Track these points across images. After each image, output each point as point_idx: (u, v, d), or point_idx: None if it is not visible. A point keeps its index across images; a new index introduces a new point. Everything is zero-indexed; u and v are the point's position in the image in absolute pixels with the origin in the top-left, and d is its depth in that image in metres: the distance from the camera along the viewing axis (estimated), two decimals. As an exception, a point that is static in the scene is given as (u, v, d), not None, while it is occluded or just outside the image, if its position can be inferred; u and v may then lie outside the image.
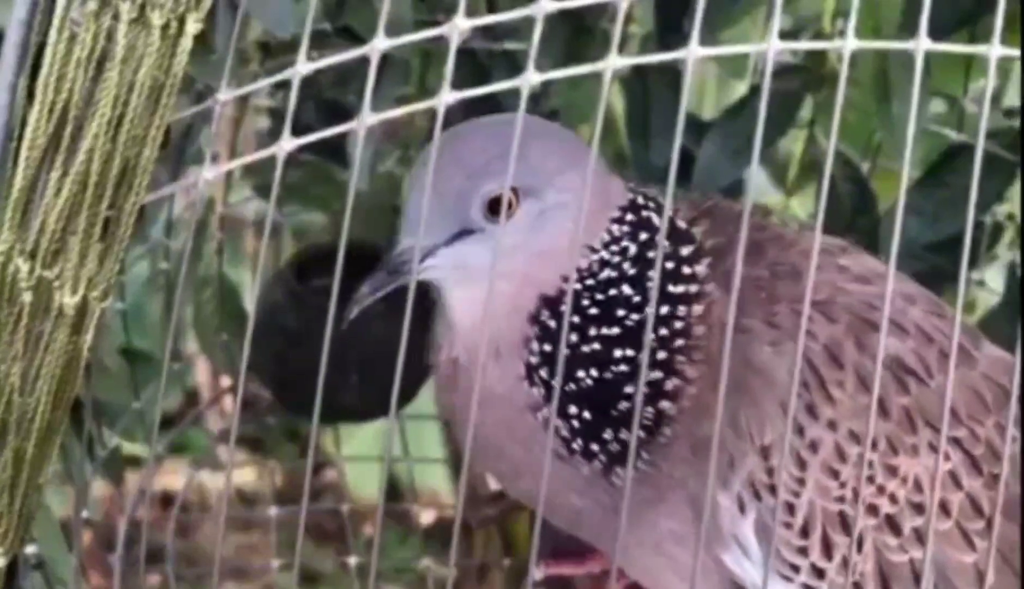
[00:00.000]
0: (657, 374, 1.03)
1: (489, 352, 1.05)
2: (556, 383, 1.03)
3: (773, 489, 1.00)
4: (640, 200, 1.07)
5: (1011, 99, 1.43)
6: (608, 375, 1.04)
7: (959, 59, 1.39)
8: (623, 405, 1.04)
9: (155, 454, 1.37)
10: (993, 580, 1.01)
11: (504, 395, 1.05)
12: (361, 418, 1.55)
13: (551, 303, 1.04)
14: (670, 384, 1.03)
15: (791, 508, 1.00)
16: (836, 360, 1.01)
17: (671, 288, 1.05)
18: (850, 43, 0.88)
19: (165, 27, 0.90)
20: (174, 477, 1.77)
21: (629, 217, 1.06)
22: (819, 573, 1.01)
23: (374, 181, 1.54)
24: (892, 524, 1.01)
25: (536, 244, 1.02)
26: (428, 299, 1.54)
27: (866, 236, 1.39)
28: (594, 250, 1.05)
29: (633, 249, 1.05)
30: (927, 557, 1.00)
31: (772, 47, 0.87)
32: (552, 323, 1.04)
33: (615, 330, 1.04)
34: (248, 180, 1.55)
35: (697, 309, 1.04)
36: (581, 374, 1.04)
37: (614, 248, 1.05)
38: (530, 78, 0.89)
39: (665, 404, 1.03)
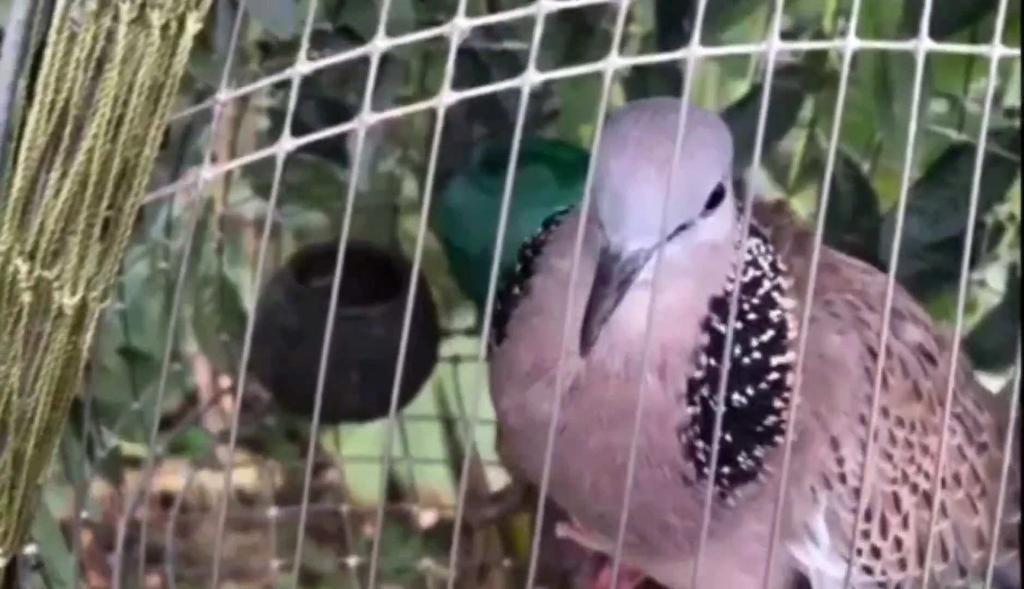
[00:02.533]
0: (776, 376, 1.00)
1: (655, 365, 0.97)
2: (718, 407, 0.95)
3: (843, 477, 1.00)
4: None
5: (1012, 99, 1.43)
6: (764, 385, 0.99)
7: (960, 59, 1.39)
8: (770, 419, 0.99)
9: (155, 454, 1.37)
10: (988, 538, 1.07)
11: (654, 412, 0.97)
12: (361, 418, 1.55)
13: (719, 306, 0.98)
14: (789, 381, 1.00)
15: (856, 493, 1.00)
16: (888, 348, 1.02)
17: (783, 281, 1.01)
18: (851, 43, 0.88)
19: (165, 27, 0.90)
20: (174, 477, 1.77)
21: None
22: (876, 552, 1.03)
23: (374, 181, 1.54)
24: (927, 499, 1.04)
25: (710, 234, 0.95)
26: (428, 300, 1.54)
27: (867, 236, 1.39)
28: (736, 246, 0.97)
29: (758, 245, 1.02)
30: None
31: (773, 47, 0.87)
32: (721, 328, 0.97)
33: (768, 334, 1.00)
34: (248, 180, 1.55)
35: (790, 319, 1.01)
36: (737, 394, 0.98)
37: (749, 246, 1.01)
38: (531, 78, 0.89)
39: (773, 418, 0.99)
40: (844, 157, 1.43)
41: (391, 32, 0.89)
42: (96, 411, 1.39)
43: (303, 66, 0.90)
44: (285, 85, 0.91)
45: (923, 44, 0.87)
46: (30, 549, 1.05)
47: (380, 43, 0.89)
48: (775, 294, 1.01)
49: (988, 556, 1.05)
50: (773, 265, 1.02)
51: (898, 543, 1.03)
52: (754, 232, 1.03)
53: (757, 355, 0.99)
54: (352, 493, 1.77)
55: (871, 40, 0.90)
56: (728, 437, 0.98)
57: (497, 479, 1.63)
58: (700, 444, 0.98)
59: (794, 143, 1.51)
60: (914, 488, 1.04)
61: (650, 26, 1.40)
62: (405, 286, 1.47)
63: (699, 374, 0.98)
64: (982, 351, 1.38)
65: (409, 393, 1.54)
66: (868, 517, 1.02)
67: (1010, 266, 1.46)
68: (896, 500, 1.03)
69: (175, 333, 1.45)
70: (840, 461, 1.01)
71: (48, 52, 0.92)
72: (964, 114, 1.42)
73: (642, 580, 1.22)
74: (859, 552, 1.03)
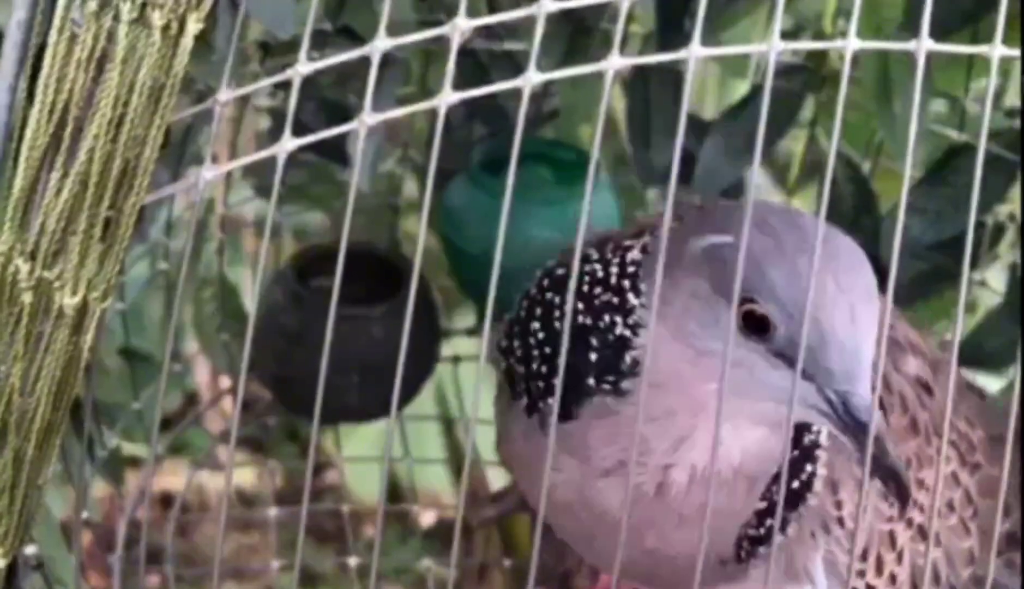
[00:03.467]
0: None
1: (743, 480, 0.98)
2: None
3: (840, 521, 1.01)
4: None
5: (1012, 99, 1.43)
6: (795, 484, 1.00)
7: (961, 59, 1.39)
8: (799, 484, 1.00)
9: (155, 454, 1.37)
10: (978, 554, 1.09)
11: (731, 512, 0.99)
12: (362, 418, 1.55)
13: (775, 479, 0.98)
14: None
15: (852, 535, 1.00)
16: (888, 385, 1.02)
17: None
18: (852, 43, 0.88)
19: (166, 27, 0.90)
20: (174, 477, 1.77)
21: None
22: None
23: (375, 181, 1.54)
24: (922, 532, 1.04)
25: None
26: (428, 300, 1.54)
27: (868, 236, 1.39)
28: None
29: None
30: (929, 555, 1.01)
31: (773, 47, 0.87)
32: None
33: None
34: (248, 180, 1.55)
35: None
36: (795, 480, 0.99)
37: None
38: (531, 78, 0.89)
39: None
40: (845, 157, 1.43)
41: (391, 32, 0.89)
42: (97, 411, 1.39)
43: (304, 66, 0.90)
44: (285, 85, 0.91)
45: (924, 44, 0.87)
46: (30, 549, 1.05)
47: (380, 43, 0.89)
48: None
49: (981, 571, 1.07)
50: None
51: (893, 579, 1.03)
52: None
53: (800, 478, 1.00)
54: (352, 493, 1.77)
55: (872, 40, 0.91)
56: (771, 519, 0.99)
57: (497, 479, 1.63)
58: (752, 532, 0.99)
59: (795, 143, 1.51)
60: (909, 523, 1.04)
61: (651, 26, 1.40)
62: (405, 286, 1.47)
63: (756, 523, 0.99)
64: (982, 352, 1.38)
65: (410, 393, 1.54)
66: (864, 556, 1.03)
67: (1011, 266, 1.45)
68: (892, 538, 1.03)
69: (175, 333, 1.45)
70: (838, 504, 1.01)
71: (49, 52, 0.92)
72: (965, 114, 1.42)
73: None
74: None
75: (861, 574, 1.03)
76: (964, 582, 1.08)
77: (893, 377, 1.03)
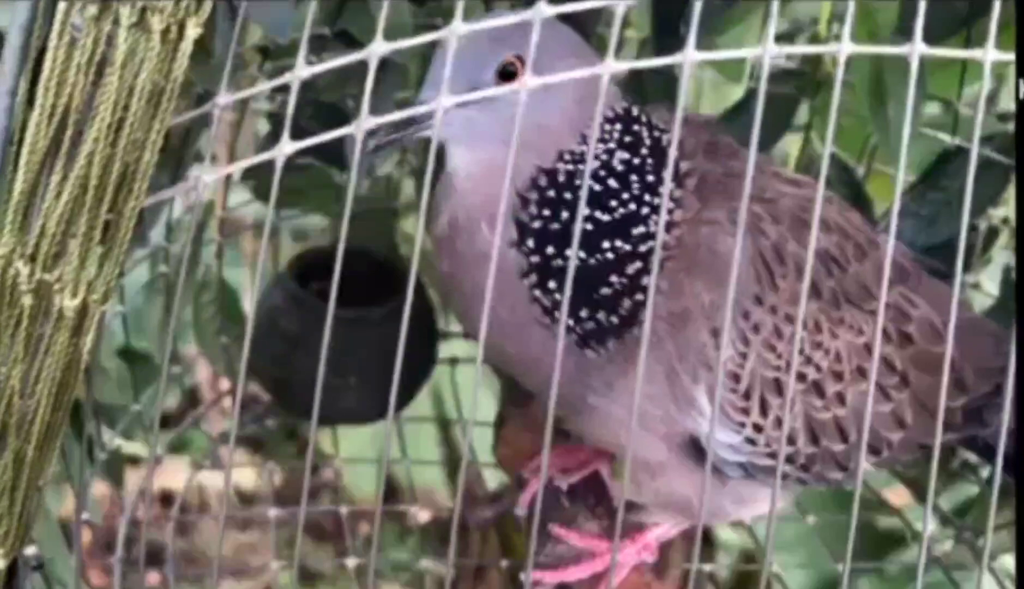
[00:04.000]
0: (637, 265, 1.12)
1: (485, 215, 1.11)
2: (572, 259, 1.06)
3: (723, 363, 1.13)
4: (634, 112, 1.15)
5: (1006, 103, 1.43)
6: (593, 261, 1.12)
7: (954, 63, 1.39)
8: (604, 290, 1.12)
9: (155, 454, 1.38)
10: (911, 421, 1.21)
11: (496, 258, 1.09)
12: (359, 420, 1.56)
13: (548, 173, 1.11)
14: (646, 279, 1.12)
15: (736, 377, 1.15)
16: (780, 256, 1.15)
17: (653, 198, 1.13)
18: (846, 47, 0.88)
19: (165, 32, 0.91)
20: (174, 477, 1.78)
21: (619, 123, 1.14)
22: (758, 428, 1.16)
23: (373, 184, 1.54)
24: (817, 388, 1.17)
25: (536, 116, 1.03)
26: (426, 302, 1.55)
27: (862, 239, 1.39)
28: (585, 140, 1.12)
29: (622, 154, 1.13)
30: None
31: (768, 51, 0.88)
32: (550, 193, 1.11)
33: (605, 217, 1.12)
34: (247, 183, 1.55)
35: (678, 214, 1.14)
36: (569, 253, 1.11)
37: (606, 143, 1.13)
38: (527, 82, 0.90)
39: (640, 296, 1.12)
40: (839, 160, 1.44)
41: (389, 36, 0.89)
42: (97, 412, 1.40)
43: (302, 70, 0.90)
44: (284, 89, 0.92)
45: (917, 48, 0.88)
46: (31, 550, 1.05)
47: (378, 47, 0.89)
48: (640, 187, 1.13)
49: (912, 435, 1.21)
50: (652, 163, 1.14)
51: (780, 422, 1.16)
52: (634, 133, 1.15)
53: (588, 226, 1.11)
54: (349, 493, 1.78)
55: (866, 44, 0.91)
56: (567, 292, 1.07)
57: (493, 480, 1.63)
58: (537, 293, 1.12)
59: (789, 146, 1.51)
60: (802, 377, 1.17)
61: (646, 30, 1.41)
62: (403, 289, 1.47)
63: (527, 225, 1.11)
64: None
65: (408, 395, 1.54)
66: (747, 397, 1.15)
67: (1004, 269, 1.46)
68: (778, 385, 1.15)
69: (175, 335, 1.46)
70: (719, 348, 1.12)
71: (49, 56, 0.93)
72: (958, 118, 1.42)
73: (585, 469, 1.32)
74: (741, 425, 1.16)
75: (745, 411, 1.15)
76: (898, 442, 1.21)
77: (788, 248, 1.15)
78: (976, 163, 0.90)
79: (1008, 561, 1.43)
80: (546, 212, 1.11)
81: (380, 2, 0.90)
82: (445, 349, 1.63)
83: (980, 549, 1.45)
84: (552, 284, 1.12)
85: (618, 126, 1.13)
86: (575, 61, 1.03)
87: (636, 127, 1.14)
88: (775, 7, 0.89)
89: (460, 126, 1.09)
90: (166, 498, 1.93)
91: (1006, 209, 1.43)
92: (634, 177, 1.13)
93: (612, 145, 1.13)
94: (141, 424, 1.52)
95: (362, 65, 0.90)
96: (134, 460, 1.67)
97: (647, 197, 1.13)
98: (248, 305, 1.63)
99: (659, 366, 1.13)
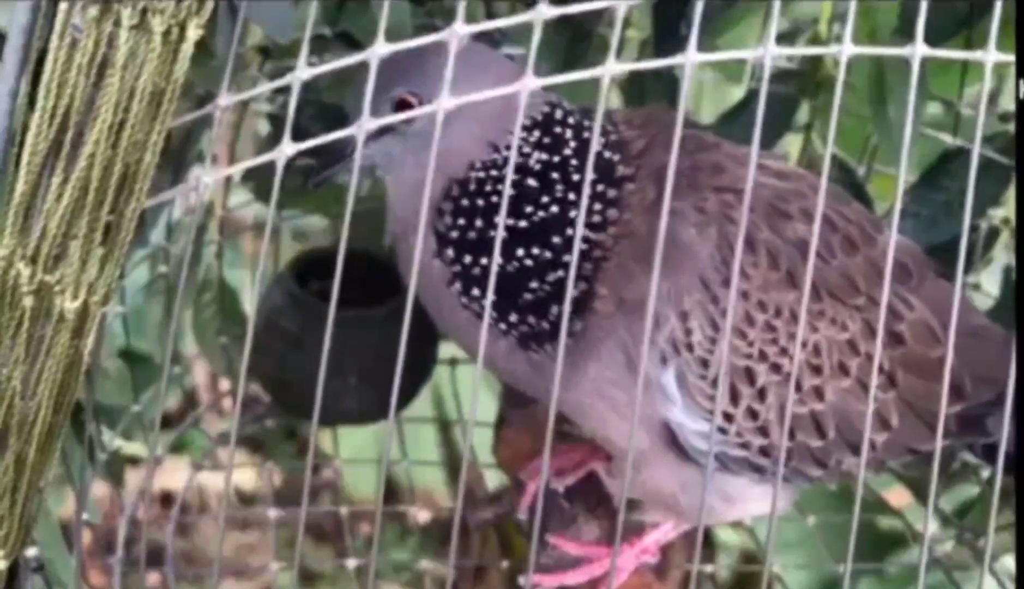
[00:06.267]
0: (559, 273, 1.14)
1: (411, 227, 1.14)
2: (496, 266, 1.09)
3: (690, 347, 1.14)
4: (557, 115, 1.15)
5: (1006, 103, 1.43)
6: (510, 268, 1.14)
7: (955, 63, 1.39)
8: (527, 296, 1.14)
9: (155, 454, 1.38)
10: (897, 423, 1.20)
11: (425, 267, 1.15)
12: (360, 421, 1.56)
13: (461, 183, 1.14)
14: (582, 285, 1.13)
15: (705, 363, 1.14)
16: (750, 244, 1.15)
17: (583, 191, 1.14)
18: (847, 48, 0.88)
19: (166, 33, 0.91)
20: (174, 477, 1.78)
21: (537, 130, 1.15)
22: (728, 417, 1.16)
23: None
24: (793, 381, 1.17)
25: (442, 141, 1.03)
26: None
27: (862, 239, 1.39)
28: (497, 149, 1.14)
29: (540, 155, 1.14)
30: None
31: (769, 52, 0.88)
32: (463, 202, 1.14)
33: (522, 223, 1.14)
34: (248, 184, 1.55)
35: (612, 213, 1.15)
36: (485, 261, 1.14)
37: (520, 149, 1.15)
38: (529, 83, 0.90)
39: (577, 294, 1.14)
40: (840, 161, 1.44)
41: (390, 37, 0.89)
42: (97, 413, 1.40)
43: (303, 71, 0.90)
44: (285, 90, 0.92)
45: (918, 49, 0.88)
46: (31, 551, 1.06)
47: (379, 48, 0.89)
48: (564, 190, 1.14)
49: (898, 438, 1.21)
50: (576, 164, 1.15)
51: (752, 413, 1.16)
52: (615, 147, 1.16)
53: (504, 235, 1.13)
54: (349, 493, 1.78)
55: (867, 45, 0.91)
56: (492, 298, 1.13)
57: (494, 481, 1.63)
58: (464, 300, 1.15)
59: (790, 147, 1.51)
60: (776, 368, 1.16)
61: (647, 31, 1.41)
62: (404, 289, 1.47)
63: (444, 235, 1.14)
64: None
65: (408, 396, 1.54)
66: (716, 384, 1.15)
67: (1005, 269, 1.46)
68: (750, 374, 1.15)
69: (175, 336, 1.46)
70: (688, 331, 1.14)
71: (50, 57, 0.93)
72: (959, 118, 1.42)
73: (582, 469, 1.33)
74: (711, 413, 1.15)
75: (711, 398, 1.15)
76: (882, 443, 1.21)
77: (761, 236, 1.15)
78: (977, 163, 0.90)
79: (1009, 562, 1.43)
80: (461, 221, 1.14)
81: (380, 2, 0.90)
82: (445, 349, 1.63)
83: (981, 550, 1.45)
84: (476, 291, 1.15)
85: (536, 132, 1.15)
86: (490, 80, 1.03)
87: (558, 130, 1.15)
88: (776, 8, 0.89)
89: (379, 156, 1.15)
90: (166, 498, 1.93)
91: (1007, 209, 1.43)
92: (556, 177, 1.14)
93: (527, 149, 1.15)
94: (141, 424, 1.52)
95: (363, 66, 0.90)
96: (134, 460, 1.67)
97: (572, 197, 1.14)
98: (248, 305, 1.63)
99: (619, 353, 1.14)
